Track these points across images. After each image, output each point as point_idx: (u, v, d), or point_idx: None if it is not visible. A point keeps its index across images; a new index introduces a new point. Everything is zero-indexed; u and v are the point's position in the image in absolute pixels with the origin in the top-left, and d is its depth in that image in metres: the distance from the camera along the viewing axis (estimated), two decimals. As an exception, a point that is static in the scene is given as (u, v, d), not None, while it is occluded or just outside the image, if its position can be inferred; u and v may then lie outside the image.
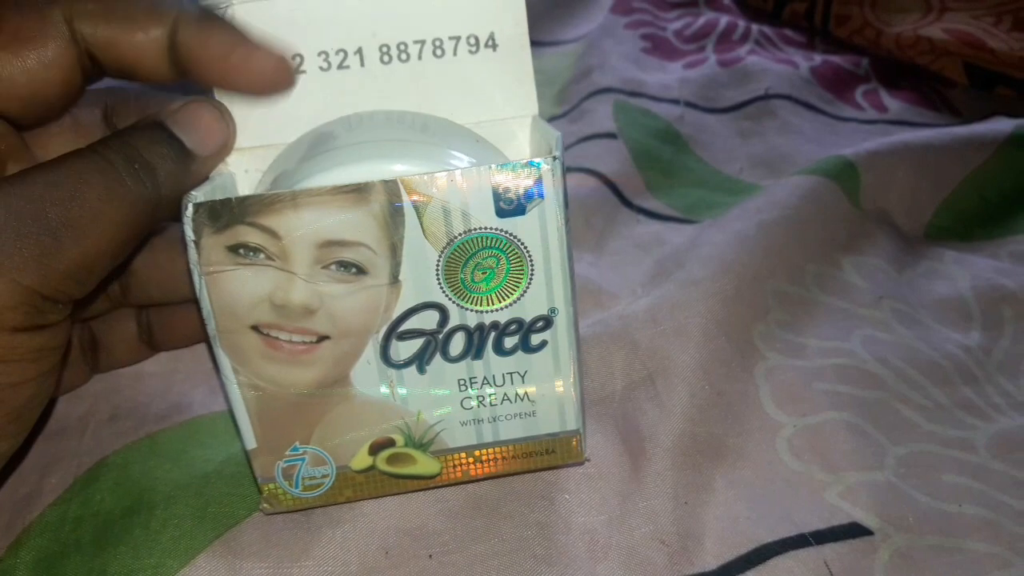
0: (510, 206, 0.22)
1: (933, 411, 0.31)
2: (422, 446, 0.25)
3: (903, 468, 0.28)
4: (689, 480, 0.28)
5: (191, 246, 0.22)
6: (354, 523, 0.26)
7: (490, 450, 0.25)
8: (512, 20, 0.25)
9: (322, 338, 0.23)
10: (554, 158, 0.22)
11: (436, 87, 0.26)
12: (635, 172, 0.45)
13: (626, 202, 0.43)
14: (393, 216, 0.22)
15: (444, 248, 0.22)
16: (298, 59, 0.25)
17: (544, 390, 0.25)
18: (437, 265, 0.23)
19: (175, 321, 0.31)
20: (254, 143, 0.26)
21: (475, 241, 0.23)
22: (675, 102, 0.51)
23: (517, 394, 0.25)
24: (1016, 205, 0.42)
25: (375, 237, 0.22)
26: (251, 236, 0.22)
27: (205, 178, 0.25)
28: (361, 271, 0.23)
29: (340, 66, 0.25)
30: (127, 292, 0.30)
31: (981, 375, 0.33)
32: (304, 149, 0.25)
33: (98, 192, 0.22)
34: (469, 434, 0.25)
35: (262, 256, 0.22)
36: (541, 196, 0.22)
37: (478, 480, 0.26)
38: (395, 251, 0.22)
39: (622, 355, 0.31)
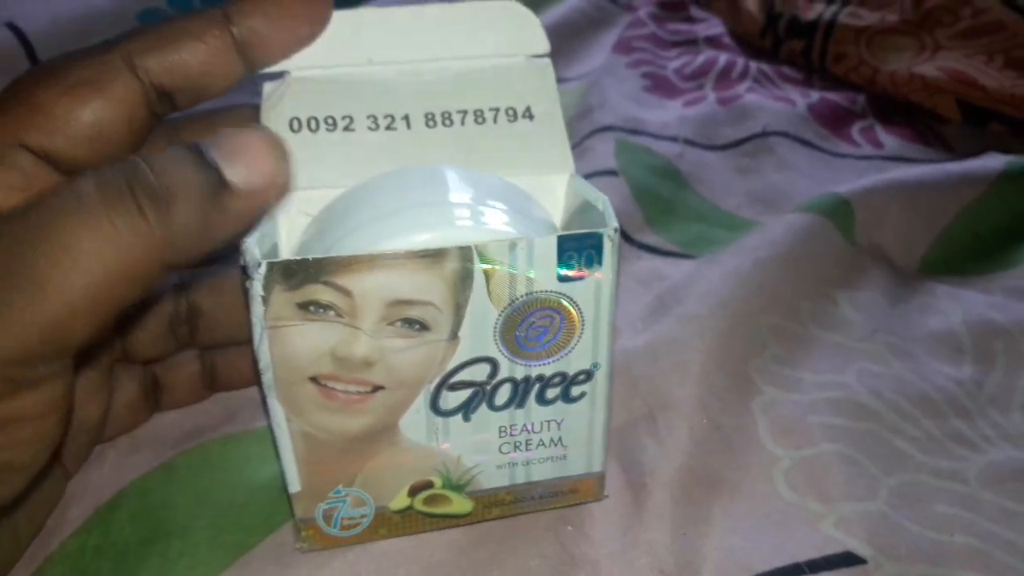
0: (571, 271, 0.23)
1: (925, 443, 0.32)
2: (458, 487, 0.26)
3: (896, 498, 0.29)
4: (688, 513, 0.28)
5: (258, 301, 0.22)
6: (364, 551, 0.27)
7: (519, 490, 0.27)
8: (546, 98, 0.27)
9: (377, 388, 0.24)
10: (615, 230, 0.23)
11: (479, 147, 0.27)
12: (636, 208, 0.46)
13: (627, 238, 0.44)
14: (463, 280, 0.23)
15: (505, 308, 0.23)
16: (348, 119, 0.26)
17: (577, 436, 0.26)
18: (496, 323, 0.23)
19: (240, 363, 0.31)
20: (299, 185, 0.26)
21: (534, 302, 0.23)
22: (674, 140, 0.52)
23: (552, 439, 0.26)
24: (1008, 240, 0.43)
25: (443, 297, 0.23)
26: (324, 295, 0.22)
27: (255, 221, 0.23)
28: (424, 327, 0.23)
29: (388, 128, 0.26)
30: (195, 334, 0.30)
31: (973, 408, 0.34)
32: (368, 204, 0.25)
33: (69, 237, 0.19)
34: (503, 476, 0.26)
35: (331, 313, 0.22)
36: (600, 264, 0.23)
37: (505, 518, 0.28)
38: (459, 310, 0.23)
39: (623, 391, 0.32)
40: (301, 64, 0.25)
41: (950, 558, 0.27)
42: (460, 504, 0.26)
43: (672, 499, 0.29)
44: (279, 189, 0.22)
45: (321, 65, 0.26)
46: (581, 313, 0.24)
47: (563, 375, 0.25)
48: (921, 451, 0.31)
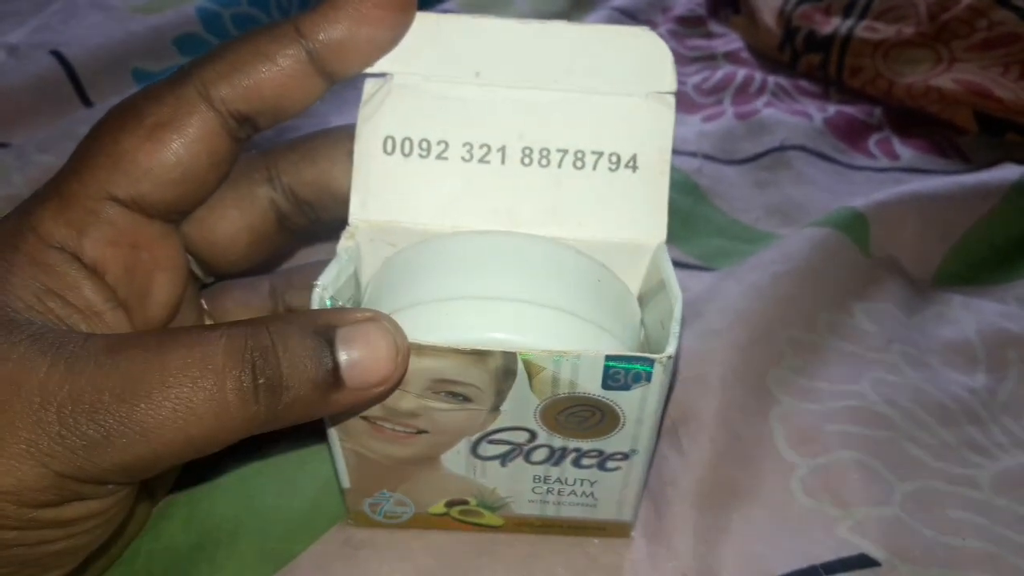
0: (616, 384, 0.22)
1: (940, 450, 0.33)
2: (492, 508, 0.28)
3: (910, 503, 0.30)
4: (709, 520, 0.30)
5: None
6: (399, 560, 0.28)
7: (549, 521, 0.28)
8: (657, 147, 0.26)
9: (421, 432, 0.24)
10: (668, 357, 0.22)
11: (570, 197, 0.26)
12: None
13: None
14: (506, 374, 0.22)
15: (546, 398, 0.23)
16: (443, 145, 0.25)
17: (610, 496, 0.27)
18: (536, 407, 0.23)
19: None
20: (384, 217, 0.26)
21: (576, 399, 0.23)
22: (693, 155, 0.53)
23: (585, 493, 0.27)
24: (1022, 250, 0.44)
25: (485, 383, 0.23)
26: None
27: (342, 413, 0.23)
28: (467, 400, 0.23)
29: (481, 160, 0.26)
30: None
31: (986, 415, 0.35)
32: (425, 278, 0.24)
33: (182, 401, 0.19)
34: (534, 508, 0.28)
35: None
36: (648, 381, 0.22)
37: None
38: (501, 394, 0.23)
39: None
40: (405, 69, 0.25)
41: (963, 561, 0.28)
42: (493, 520, 0.28)
43: (694, 507, 0.30)
44: (387, 389, 0.22)
45: (425, 73, 0.25)
46: (624, 415, 0.23)
47: (600, 452, 0.25)
48: (935, 458, 0.32)
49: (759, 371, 0.35)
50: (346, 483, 0.27)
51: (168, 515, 0.29)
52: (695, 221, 0.48)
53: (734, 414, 0.33)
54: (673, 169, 0.51)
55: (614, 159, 0.25)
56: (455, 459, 0.25)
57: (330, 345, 0.20)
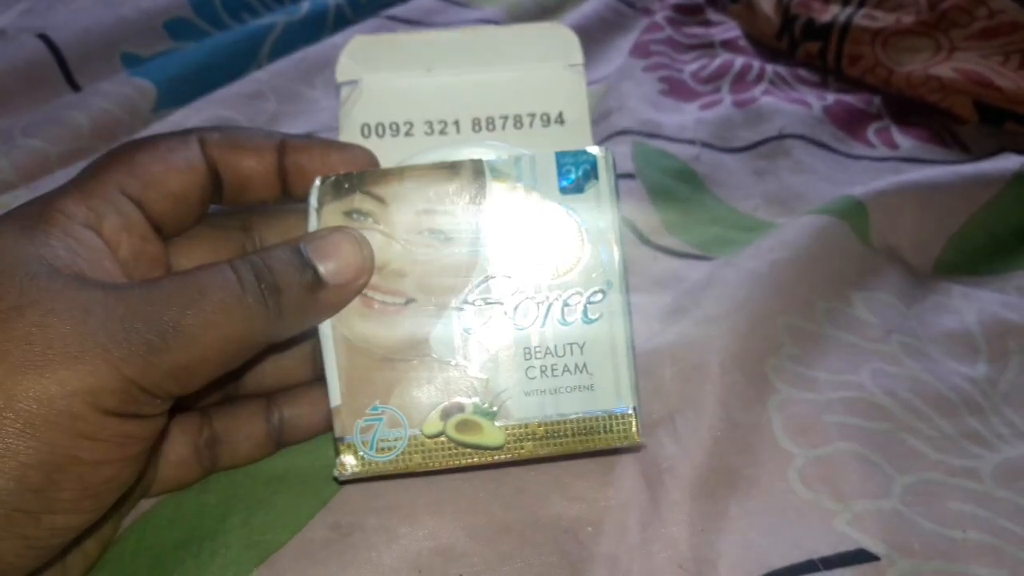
0: (571, 185, 0.28)
1: (940, 441, 0.32)
2: (489, 414, 0.27)
3: (910, 496, 0.30)
4: (705, 509, 0.29)
5: (313, 214, 0.28)
6: (389, 545, 0.27)
7: (552, 425, 0.28)
8: (578, 105, 0.33)
9: (409, 300, 0.27)
10: (606, 149, 0.28)
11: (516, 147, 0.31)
12: (653, 211, 0.47)
13: (644, 240, 0.45)
14: (478, 189, 0.27)
15: (517, 220, 0.28)
16: (408, 125, 0.32)
17: (602, 363, 0.28)
18: (510, 236, 0.28)
19: (305, 416, 0.31)
20: None
21: (543, 215, 0.28)
22: (691, 143, 0.53)
23: (577, 365, 0.28)
24: (1022, 240, 0.44)
25: (462, 207, 0.27)
26: (364, 203, 0.28)
27: (334, 309, 0.27)
28: (448, 238, 0.27)
29: (440, 132, 0.32)
30: (239, 384, 0.31)
31: (987, 406, 0.34)
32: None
33: (216, 304, 0.23)
34: (533, 406, 0.28)
35: (371, 220, 0.27)
36: (596, 179, 0.28)
37: (539, 461, 0.29)
38: (477, 221, 0.28)
39: (642, 390, 0.33)
40: (371, 74, 0.32)
41: (964, 554, 0.28)
42: (492, 434, 0.28)
43: (690, 496, 0.29)
44: (363, 281, 0.27)
45: (387, 71, 0.32)
46: (584, 228, 0.28)
47: (579, 294, 0.28)
48: (935, 449, 0.32)
49: (757, 359, 0.35)
50: (336, 399, 0.27)
51: (154, 515, 0.29)
52: (693, 209, 0.47)
53: (731, 402, 0.33)
54: (671, 157, 0.51)
55: (545, 118, 0.32)
56: (445, 340, 0.27)
57: (304, 254, 0.26)
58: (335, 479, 0.28)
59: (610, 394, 0.28)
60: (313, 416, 0.31)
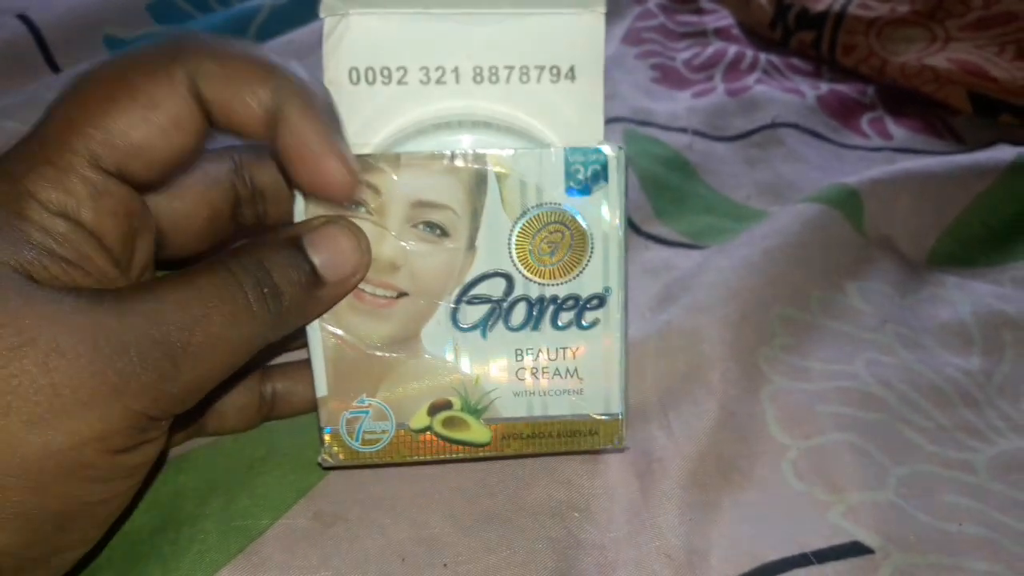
0: (578, 186, 0.26)
1: (935, 433, 0.32)
2: (476, 412, 0.27)
3: (904, 488, 0.29)
4: (695, 499, 0.28)
5: (299, 199, 0.25)
6: (372, 535, 0.27)
7: (538, 425, 0.27)
8: (592, 60, 0.28)
9: (401, 294, 0.26)
10: (620, 148, 0.26)
11: (519, 106, 0.28)
12: (644, 199, 0.46)
13: (636, 228, 0.44)
14: (478, 184, 0.26)
15: (518, 219, 0.26)
16: (402, 71, 0.28)
17: (593, 369, 0.27)
18: (510, 234, 0.26)
19: (299, 392, 0.30)
20: (354, 140, 0.27)
21: (545, 215, 0.26)
22: (683, 131, 0.52)
23: (568, 369, 0.27)
24: (1017, 231, 0.43)
25: (460, 201, 0.26)
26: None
27: (331, 304, 0.26)
28: (444, 233, 0.26)
29: (438, 81, 0.28)
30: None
31: (982, 398, 0.33)
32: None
33: (223, 317, 0.22)
34: (520, 405, 0.27)
35: (363, 210, 0.26)
36: (605, 181, 0.26)
37: (524, 457, 0.29)
38: (475, 216, 0.26)
39: (632, 379, 0.32)
40: (362, 8, 0.27)
41: (959, 547, 0.27)
42: (478, 431, 0.27)
43: (680, 486, 0.29)
44: (360, 276, 0.26)
45: (378, 7, 0.27)
46: (590, 232, 0.26)
47: (575, 298, 0.27)
48: (930, 441, 0.31)
49: (749, 348, 0.34)
50: (323, 389, 0.27)
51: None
52: (685, 198, 0.47)
53: (723, 391, 0.32)
54: (663, 145, 0.50)
55: (555, 71, 0.28)
56: (436, 335, 0.27)
57: (302, 251, 0.24)
58: (319, 465, 0.28)
59: (599, 400, 0.27)
60: (306, 393, 0.30)
